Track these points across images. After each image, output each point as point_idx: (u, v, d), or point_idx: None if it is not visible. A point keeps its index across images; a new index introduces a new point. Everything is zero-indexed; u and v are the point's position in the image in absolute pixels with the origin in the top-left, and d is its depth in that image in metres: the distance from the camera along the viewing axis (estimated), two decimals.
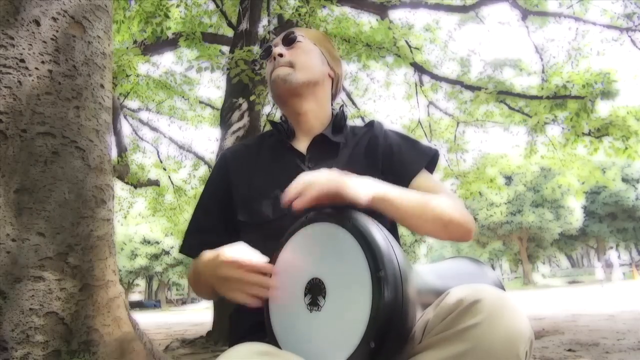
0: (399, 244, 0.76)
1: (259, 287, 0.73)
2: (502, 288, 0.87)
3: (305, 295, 0.69)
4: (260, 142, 1.06)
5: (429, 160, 1.00)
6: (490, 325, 0.60)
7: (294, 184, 0.75)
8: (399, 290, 0.61)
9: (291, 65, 0.98)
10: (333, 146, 1.00)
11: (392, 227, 0.95)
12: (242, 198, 0.96)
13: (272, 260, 0.77)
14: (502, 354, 0.59)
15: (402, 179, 0.95)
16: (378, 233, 0.65)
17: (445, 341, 0.63)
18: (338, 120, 1.02)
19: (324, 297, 0.67)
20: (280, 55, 0.99)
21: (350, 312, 0.63)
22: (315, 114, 1.02)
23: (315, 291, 0.68)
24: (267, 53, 1.03)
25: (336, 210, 0.72)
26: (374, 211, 0.76)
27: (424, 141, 8.49)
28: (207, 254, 0.81)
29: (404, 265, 0.64)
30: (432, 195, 0.88)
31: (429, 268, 0.86)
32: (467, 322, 0.61)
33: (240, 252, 0.75)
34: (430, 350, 0.65)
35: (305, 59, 1.00)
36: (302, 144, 1.01)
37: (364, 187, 0.76)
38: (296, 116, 1.02)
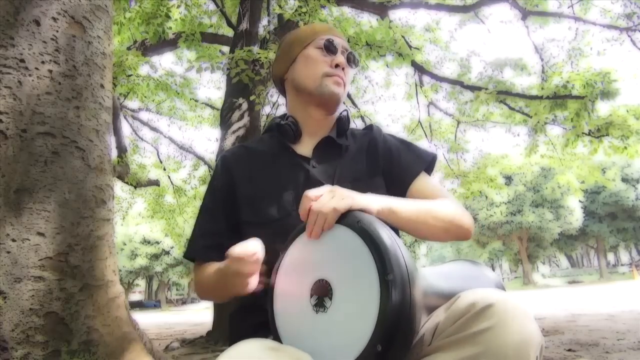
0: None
1: (241, 276, 0.75)
2: (503, 289, 0.88)
3: (312, 296, 0.69)
4: (261, 143, 1.07)
5: (428, 163, 1.02)
6: (502, 330, 0.61)
7: (303, 205, 0.74)
8: (406, 294, 0.61)
9: (344, 85, 1.02)
10: (337, 148, 1.01)
11: (394, 228, 0.95)
12: (247, 198, 0.96)
13: (278, 261, 0.77)
14: (513, 358, 0.60)
15: (402, 182, 0.97)
16: (385, 235, 0.65)
17: (457, 344, 0.63)
18: (342, 124, 1.04)
19: (330, 299, 0.66)
20: (343, 68, 1.01)
21: (356, 314, 0.63)
22: (325, 120, 1.05)
23: (321, 292, 0.68)
24: (331, 51, 1.01)
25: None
26: None
27: (425, 141, 8.50)
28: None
29: (412, 268, 0.64)
30: (432, 202, 0.90)
31: (431, 270, 0.86)
32: (478, 326, 0.62)
33: (242, 247, 0.75)
34: (440, 353, 0.65)
35: (349, 84, 1.05)
36: (305, 145, 1.02)
37: (371, 201, 0.77)
38: (308, 119, 1.03)
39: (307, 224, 0.72)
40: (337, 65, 1.00)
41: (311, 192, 0.74)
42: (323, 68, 0.99)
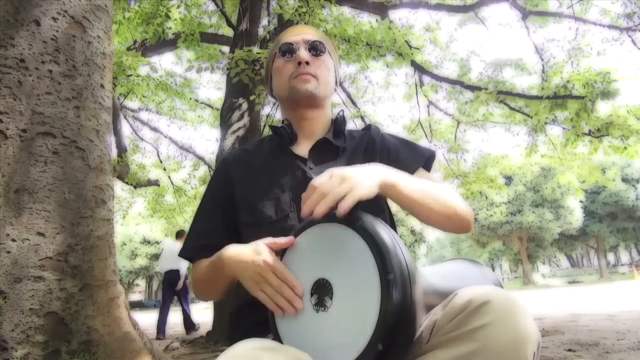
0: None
1: (287, 303, 0.72)
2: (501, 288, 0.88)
3: (312, 295, 0.69)
4: (260, 146, 1.08)
5: (426, 160, 1.03)
6: (499, 326, 0.61)
7: (307, 194, 0.73)
8: (407, 293, 0.61)
9: (316, 78, 1.00)
10: (334, 149, 1.02)
11: (391, 225, 0.96)
12: (245, 200, 0.97)
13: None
14: (510, 355, 0.60)
15: None
16: (386, 234, 0.65)
17: (454, 341, 0.64)
18: (338, 125, 1.04)
19: (330, 298, 0.67)
20: (307, 63, 1.00)
21: (357, 313, 0.63)
22: (319, 120, 1.05)
23: (321, 292, 0.68)
24: (289, 52, 1.01)
25: None
26: (375, 208, 0.77)
27: (425, 141, 8.50)
28: (239, 248, 0.82)
29: (412, 267, 0.64)
30: (438, 186, 0.90)
31: (430, 270, 0.86)
32: (476, 323, 0.62)
33: (280, 262, 0.76)
34: (438, 350, 0.66)
35: (327, 74, 1.03)
36: (302, 147, 1.03)
37: (372, 176, 0.75)
38: (301, 121, 1.04)
39: (308, 202, 0.72)
40: (300, 63, 0.99)
41: (316, 181, 0.74)
42: (288, 72, 1.00)
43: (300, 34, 1.04)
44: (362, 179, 0.73)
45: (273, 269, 0.74)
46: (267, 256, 0.76)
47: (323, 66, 1.02)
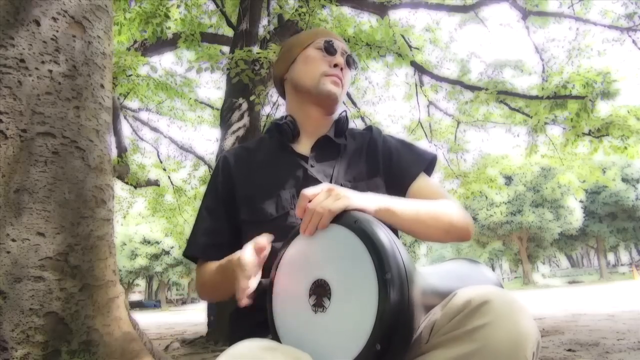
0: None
1: (243, 292, 0.75)
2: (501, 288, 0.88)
3: (310, 296, 0.69)
4: (260, 144, 1.08)
5: (427, 164, 1.02)
6: (499, 326, 0.61)
7: (300, 204, 0.74)
8: (405, 293, 0.61)
9: (343, 86, 1.03)
10: (335, 147, 1.02)
11: (393, 227, 0.96)
12: (245, 197, 0.97)
13: (277, 260, 0.77)
14: (509, 354, 0.60)
15: (402, 182, 0.97)
16: (383, 234, 0.65)
17: (453, 341, 0.64)
18: (341, 124, 1.05)
19: (329, 299, 0.67)
20: (341, 69, 1.02)
21: (355, 314, 0.63)
22: (323, 120, 1.06)
23: (320, 292, 0.68)
24: (330, 51, 1.03)
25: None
26: None
27: (425, 141, 8.50)
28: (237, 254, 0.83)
29: (410, 267, 0.64)
30: (432, 203, 0.90)
31: (430, 270, 0.86)
32: (475, 323, 0.62)
33: (247, 257, 0.76)
34: (437, 350, 0.66)
35: (347, 86, 1.07)
36: (304, 145, 1.03)
37: (368, 201, 0.76)
38: (307, 119, 1.04)
39: (302, 222, 0.73)
40: (335, 66, 1.01)
41: (308, 191, 0.74)
42: (322, 67, 1.01)
43: (341, 42, 1.07)
44: (358, 200, 0.74)
45: (241, 265, 0.75)
46: (241, 254, 0.77)
47: (347, 77, 1.06)
